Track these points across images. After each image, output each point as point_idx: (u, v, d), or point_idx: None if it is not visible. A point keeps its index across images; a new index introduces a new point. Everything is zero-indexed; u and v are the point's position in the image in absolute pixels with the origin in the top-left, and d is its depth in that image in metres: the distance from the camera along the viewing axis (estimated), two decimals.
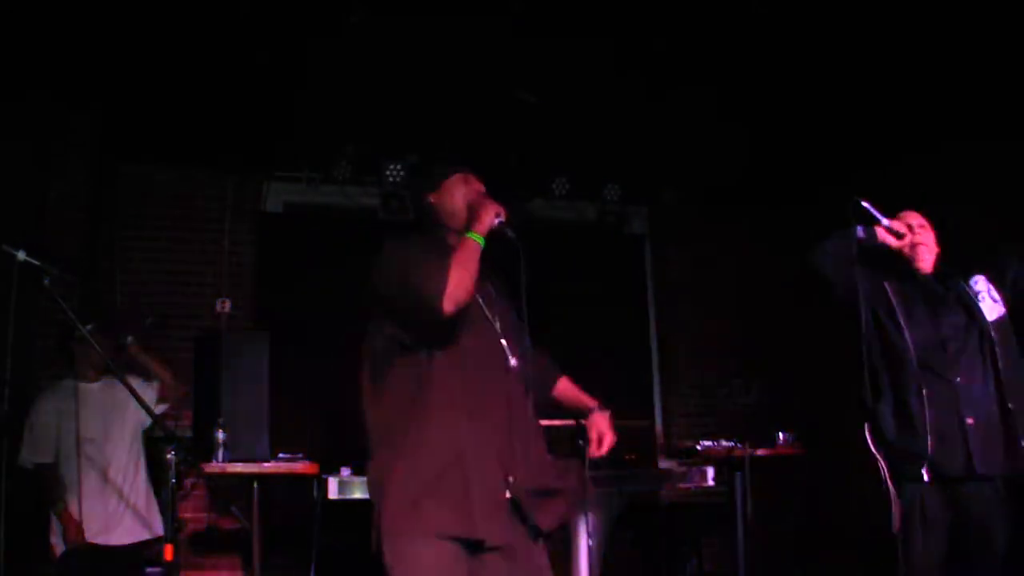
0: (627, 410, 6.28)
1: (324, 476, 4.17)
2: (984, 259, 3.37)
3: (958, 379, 3.10)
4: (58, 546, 4.18)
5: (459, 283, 2.38)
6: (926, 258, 3.30)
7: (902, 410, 3.15)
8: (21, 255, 2.69)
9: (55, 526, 4.20)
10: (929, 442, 3.05)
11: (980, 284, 3.29)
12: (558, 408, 2.87)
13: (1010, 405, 3.07)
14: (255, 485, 4.13)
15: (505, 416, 2.45)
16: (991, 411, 3.09)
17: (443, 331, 2.44)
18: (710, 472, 4.77)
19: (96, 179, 5.46)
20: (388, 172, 5.73)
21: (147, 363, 4.47)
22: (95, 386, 4.36)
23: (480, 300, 2.56)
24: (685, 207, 6.50)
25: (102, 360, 4.14)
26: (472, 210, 2.56)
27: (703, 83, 4.90)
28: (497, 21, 4.33)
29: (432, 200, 2.70)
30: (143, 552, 4.32)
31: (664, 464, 5.44)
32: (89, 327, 4.15)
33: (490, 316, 2.58)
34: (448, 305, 2.35)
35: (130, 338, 4.46)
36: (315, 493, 4.25)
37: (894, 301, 3.24)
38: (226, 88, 4.84)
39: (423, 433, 2.39)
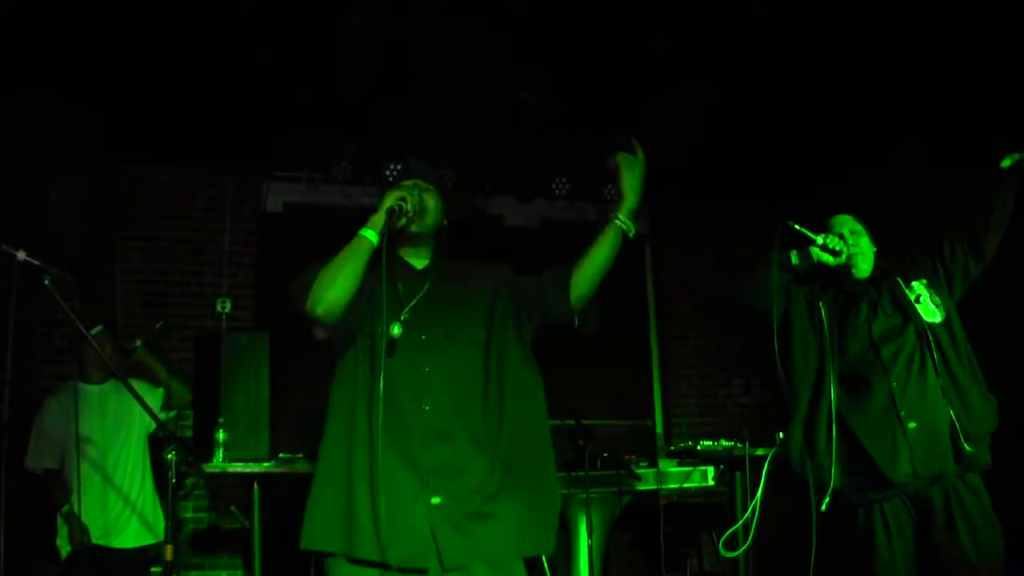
0: (627, 410, 6.31)
1: None
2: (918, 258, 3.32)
3: (894, 383, 3.08)
4: (63, 548, 4.19)
5: (329, 282, 2.26)
6: (862, 266, 3.26)
7: (812, 435, 3.18)
8: (21, 255, 2.68)
9: (60, 528, 4.21)
10: (833, 472, 3.07)
11: (920, 287, 3.23)
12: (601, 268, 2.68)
13: (950, 410, 3.04)
14: (255, 485, 4.12)
15: (424, 424, 2.28)
16: (932, 414, 3.05)
17: (331, 337, 2.33)
18: (710, 472, 4.77)
19: (96, 179, 5.47)
20: (388, 172, 5.74)
21: (154, 368, 4.46)
22: (99, 388, 4.37)
23: (399, 295, 2.40)
24: (685, 207, 6.50)
25: (107, 363, 4.14)
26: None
27: (703, 83, 4.90)
28: (497, 21, 4.33)
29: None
30: (148, 555, 4.32)
31: (664, 464, 5.44)
32: (98, 329, 4.17)
33: (414, 319, 2.38)
34: (314, 306, 2.24)
35: (139, 342, 4.45)
36: None
37: (826, 321, 3.22)
38: (226, 88, 4.84)
39: (323, 452, 2.36)
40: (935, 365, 3.08)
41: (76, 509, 4.13)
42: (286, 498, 4.53)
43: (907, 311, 3.16)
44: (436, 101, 5.01)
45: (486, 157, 5.76)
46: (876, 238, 3.33)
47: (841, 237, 3.23)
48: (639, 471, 4.53)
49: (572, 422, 4.36)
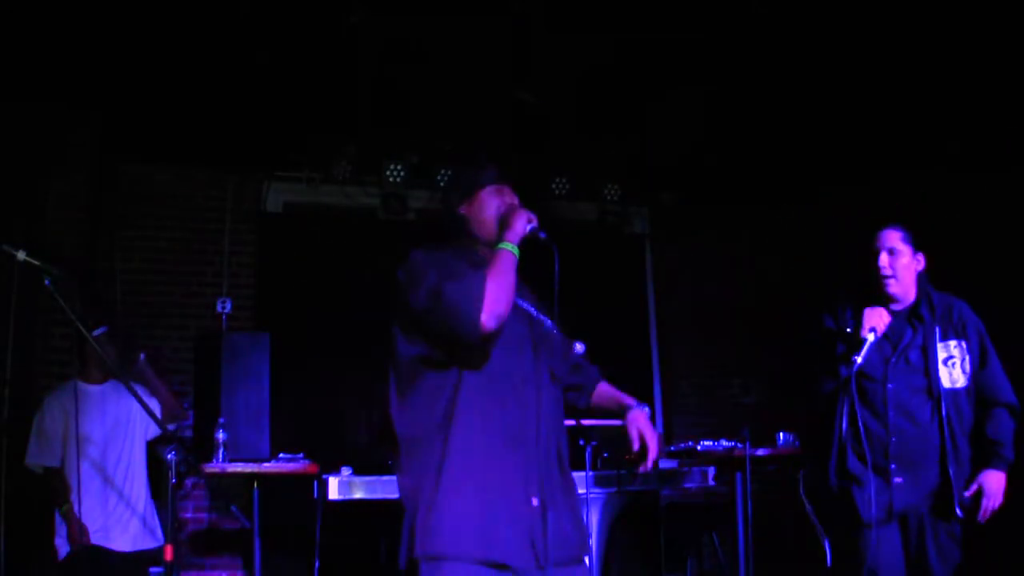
0: None
1: (324, 476, 4.17)
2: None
3: (893, 437, 3.12)
4: (62, 548, 4.19)
5: (498, 296, 2.27)
6: (899, 293, 3.24)
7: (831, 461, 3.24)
8: (21, 255, 2.68)
9: (59, 528, 4.21)
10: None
11: (955, 349, 3.19)
12: (596, 413, 2.83)
13: (951, 472, 3.08)
14: (255, 485, 4.13)
15: (535, 437, 2.37)
16: (921, 474, 3.12)
17: (482, 348, 2.34)
18: (710, 472, 4.77)
19: (96, 179, 5.47)
20: (388, 172, 5.74)
21: (151, 381, 4.44)
22: (99, 388, 4.36)
23: (517, 312, 2.45)
24: (685, 207, 6.50)
25: (108, 364, 4.14)
26: (503, 220, 2.45)
27: (703, 83, 4.91)
28: (497, 21, 4.33)
29: (463, 211, 2.57)
30: (147, 557, 4.33)
31: (664, 464, 5.43)
32: (102, 330, 4.18)
33: (528, 330, 2.48)
34: (489, 321, 2.25)
35: (143, 356, 4.45)
36: (315, 493, 4.25)
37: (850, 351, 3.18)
38: (226, 88, 4.84)
39: (452, 456, 2.29)
40: (945, 433, 3.09)
41: (76, 508, 4.13)
42: (286, 498, 4.54)
43: (930, 369, 3.15)
44: (436, 101, 5.02)
45: (486, 157, 5.76)
46: (921, 254, 3.28)
47: (874, 255, 3.20)
48: (639, 471, 4.52)
49: (572, 422, 4.36)
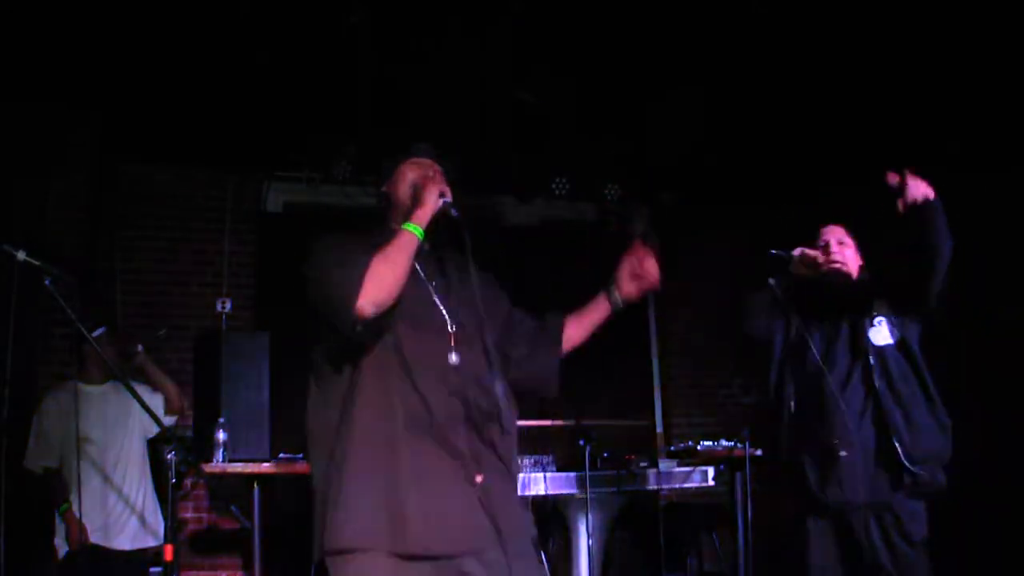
0: (627, 410, 6.31)
1: None
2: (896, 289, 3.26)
3: (835, 411, 3.08)
4: (61, 548, 4.19)
5: (380, 281, 2.13)
6: (842, 278, 3.25)
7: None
8: (21, 255, 2.68)
9: (58, 528, 4.21)
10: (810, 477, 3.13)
11: (881, 309, 3.21)
12: (586, 340, 2.65)
13: (892, 434, 3.03)
14: (255, 485, 4.13)
15: (461, 423, 2.24)
16: (867, 442, 3.05)
17: (370, 336, 2.20)
18: (710, 472, 4.77)
19: (96, 179, 5.47)
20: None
21: (153, 374, 4.45)
22: (98, 389, 4.36)
23: (431, 293, 2.34)
24: (685, 207, 6.51)
25: (108, 364, 4.14)
26: (414, 196, 2.32)
27: (703, 83, 4.91)
28: (497, 21, 4.33)
29: (385, 190, 2.48)
30: (147, 557, 4.33)
31: (664, 464, 5.44)
32: (102, 330, 4.18)
33: (443, 311, 2.33)
34: (366, 307, 2.11)
35: (140, 347, 4.45)
36: None
37: (793, 339, 3.28)
38: (226, 88, 4.84)
39: (355, 447, 2.19)
40: (878, 389, 3.07)
41: (75, 509, 4.13)
42: (286, 498, 4.54)
43: (856, 333, 3.18)
44: (436, 101, 5.01)
45: (486, 157, 5.76)
46: (864, 253, 3.33)
47: (823, 247, 3.25)
48: (639, 471, 4.53)
49: (572, 422, 4.37)
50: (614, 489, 4.44)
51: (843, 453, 3.05)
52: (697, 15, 4.33)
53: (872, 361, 3.10)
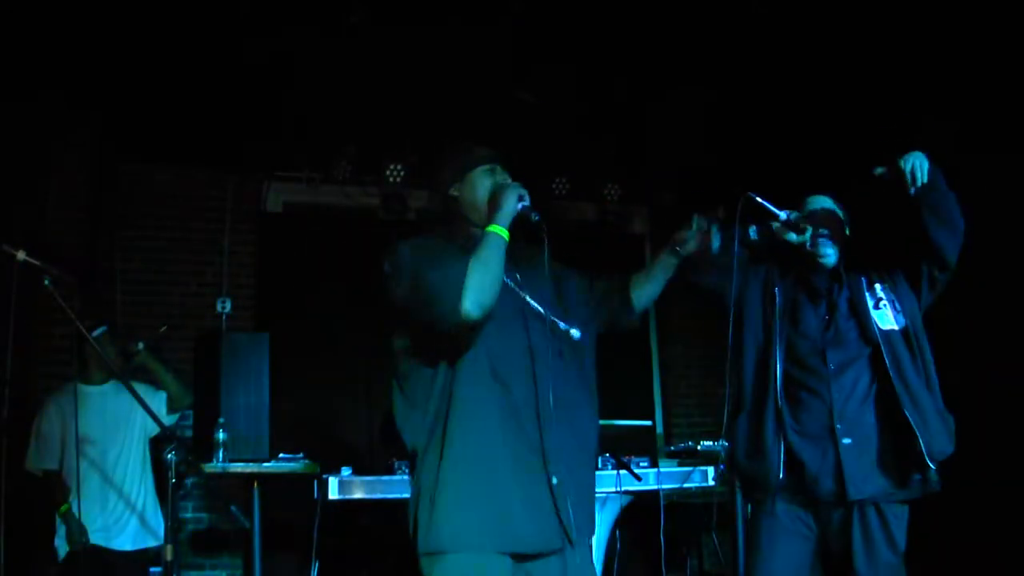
0: (627, 410, 6.30)
1: (324, 476, 4.17)
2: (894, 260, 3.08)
3: (835, 394, 2.85)
4: (61, 548, 4.19)
5: (482, 283, 2.18)
6: (828, 252, 2.99)
7: (757, 431, 2.92)
8: (21, 255, 2.68)
9: (59, 528, 4.21)
10: (781, 470, 2.84)
11: (883, 291, 2.99)
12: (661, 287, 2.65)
13: (912, 422, 2.78)
14: (255, 485, 4.12)
15: (542, 414, 2.29)
16: (870, 432, 2.83)
17: (469, 338, 2.25)
18: (710, 472, 4.77)
19: (96, 179, 5.47)
20: (388, 172, 5.74)
21: (156, 371, 4.45)
22: (99, 389, 4.36)
23: (513, 294, 2.36)
24: (685, 207, 6.49)
25: (108, 364, 4.14)
26: (493, 200, 2.35)
27: (703, 83, 4.91)
28: (497, 21, 4.33)
29: (455, 194, 2.48)
30: (147, 557, 4.33)
31: (664, 464, 5.44)
32: (102, 330, 4.18)
33: (522, 307, 2.37)
34: (473, 309, 2.16)
35: (142, 344, 4.45)
36: (315, 493, 4.25)
37: (780, 309, 2.96)
38: (226, 88, 4.84)
39: (453, 447, 2.24)
40: (891, 376, 2.83)
41: (75, 509, 4.13)
42: (286, 498, 4.54)
43: (862, 317, 2.93)
44: (436, 101, 5.02)
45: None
46: (853, 227, 3.10)
47: (811, 213, 3.01)
48: (639, 471, 4.53)
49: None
50: (614, 489, 4.44)
51: (846, 441, 2.82)
52: (697, 15, 4.33)
53: (882, 345, 2.86)
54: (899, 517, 2.86)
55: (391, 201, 5.83)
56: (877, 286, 3.01)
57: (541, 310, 2.37)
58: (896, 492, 2.84)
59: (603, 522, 4.53)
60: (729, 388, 3.03)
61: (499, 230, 2.28)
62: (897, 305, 2.97)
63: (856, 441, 2.83)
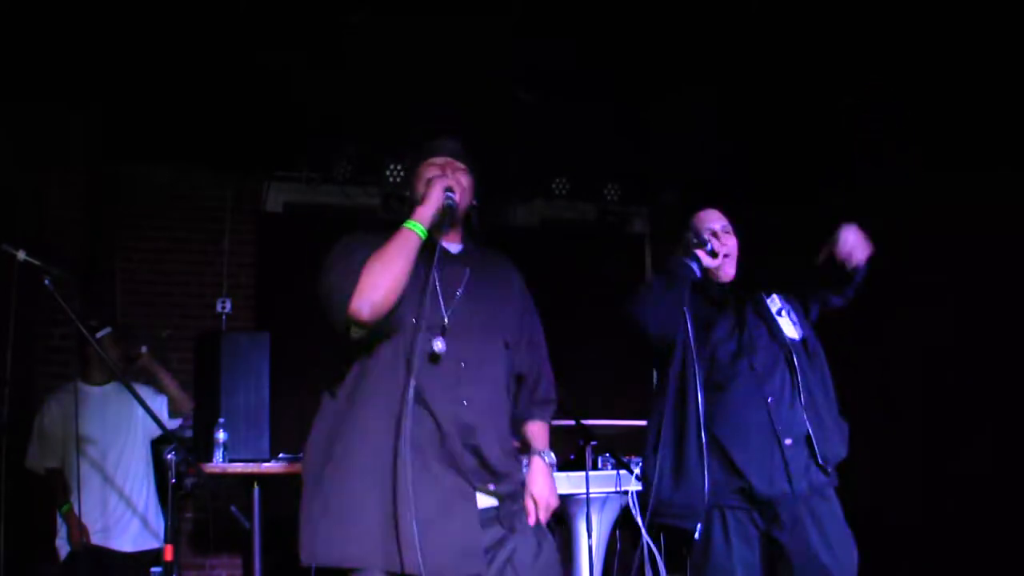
0: (627, 410, 6.30)
1: None
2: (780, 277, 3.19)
3: (769, 397, 2.90)
4: (62, 548, 4.20)
5: (377, 281, 2.07)
6: (729, 269, 3.09)
7: (680, 460, 2.93)
8: (21, 255, 2.68)
9: (60, 528, 4.21)
10: (706, 495, 2.85)
11: (776, 302, 3.09)
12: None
13: (809, 429, 2.88)
14: (255, 485, 4.13)
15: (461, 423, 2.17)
16: (802, 430, 2.90)
17: (364, 337, 2.15)
18: None
19: (96, 179, 5.47)
20: (388, 172, 5.74)
21: (157, 374, 4.45)
22: (100, 389, 4.37)
23: (436, 292, 2.23)
24: (685, 207, 6.50)
25: (110, 365, 4.15)
26: (424, 194, 2.24)
27: (703, 83, 4.90)
28: (497, 21, 4.33)
29: (409, 194, 2.42)
30: (148, 557, 4.33)
31: None
32: (106, 331, 4.18)
33: (443, 315, 2.23)
34: (361, 308, 2.06)
35: (144, 348, 4.45)
36: None
37: (691, 329, 2.94)
38: (226, 88, 4.84)
39: (356, 454, 2.18)
40: (797, 382, 2.92)
41: (76, 509, 4.13)
42: (286, 498, 4.54)
43: (771, 324, 3.01)
44: (436, 101, 5.01)
45: (485, 157, 5.76)
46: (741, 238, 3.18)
47: (714, 235, 3.05)
48: (639, 471, 4.53)
49: (572, 422, 4.36)
50: (614, 489, 4.44)
51: (788, 441, 2.87)
52: (698, 15, 4.33)
53: (792, 352, 2.94)
54: (832, 497, 2.95)
55: (391, 201, 5.83)
56: (774, 296, 3.10)
57: (446, 319, 2.22)
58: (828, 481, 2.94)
59: (603, 522, 4.53)
60: (649, 431, 3.04)
61: (413, 225, 2.16)
62: (793, 316, 3.08)
63: (795, 441, 2.89)
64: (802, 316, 3.11)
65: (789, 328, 3.04)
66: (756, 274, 3.16)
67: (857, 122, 5.06)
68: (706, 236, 3.02)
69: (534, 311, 2.53)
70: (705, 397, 2.91)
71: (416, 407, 2.11)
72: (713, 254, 2.99)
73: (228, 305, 5.76)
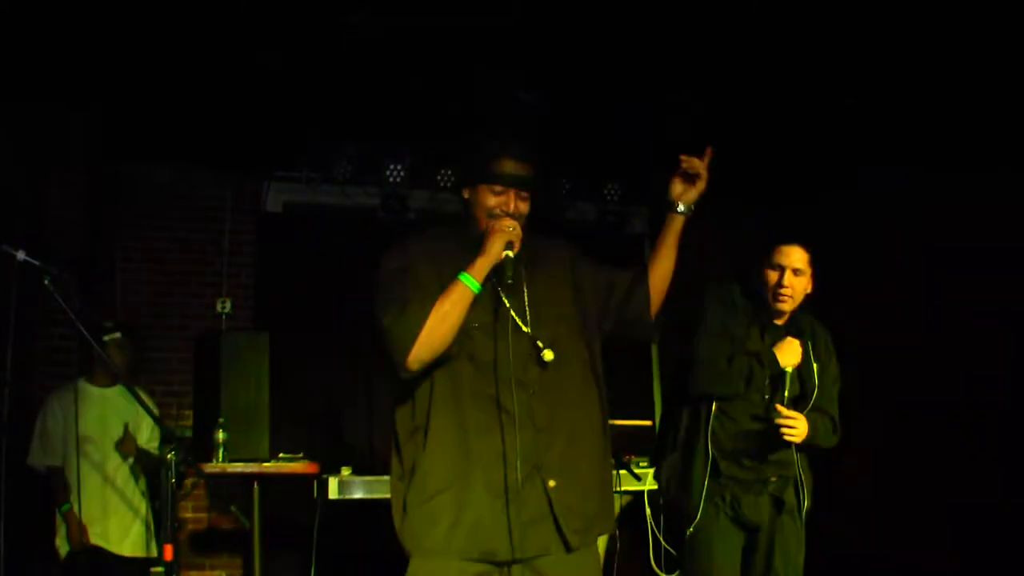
0: (627, 410, 6.30)
1: (324, 476, 4.17)
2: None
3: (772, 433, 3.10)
4: (62, 548, 4.19)
5: (429, 338, 2.21)
6: (786, 309, 3.21)
7: (687, 471, 3.22)
8: (21, 255, 2.68)
9: (59, 528, 4.21)
10: (700, 508, 3.13)
11: (814, 369, 3.25)
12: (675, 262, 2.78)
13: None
14: (255, 485, 4.13)
15: (518, 426, 2.27)
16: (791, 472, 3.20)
17: (418, 376, 2.28)
18: None
19: (96, 179, 5.47)
20: (388, 172, 5.73)
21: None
22: (100, 390, 4.37)
23: (503, 305, 2.34)
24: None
25: (113, 368, 4.15)
26: (484, 238, 2.31)
27: (703, 83, 4.90)
28: (497, 21, 4.33)
29: (465, 196, 2.44)
30: (147, 558, 4.34)
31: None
32: (116, 335, 4.18)
33: (517, 322, 2.34)
34: (411, 363, 2.22)
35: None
36: (315, 493, 4.25)
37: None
38: (226, 88, 4.84)
39: (434, 454, 2.29)
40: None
41: (76, 509, 4.13)
42: (286, 498, 4.55)
43: (805, 385, 3.20)
44: (436, 101, 5.02)
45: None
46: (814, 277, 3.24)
47: (775, 271, 3.18)
48: (639, 471, 4.53)
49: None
50: (614, 489, 4.44)
51: (773, 479, 3.21)
52: (698, 15, 4.33)
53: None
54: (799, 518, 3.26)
55: (391, 201, 5.82)
56: (815, 365, 3.24)
57: (521, 326, 2.35)
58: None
59: None
60: (666, 429, 3.34)
61: (470, 281, 2.26)
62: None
63: (779, 480, 3.20)
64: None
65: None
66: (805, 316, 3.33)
67: (858, 122, 5.06)
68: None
69: (580, 265, 2.61)
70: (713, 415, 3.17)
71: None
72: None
73: (228, 305, 5.76)
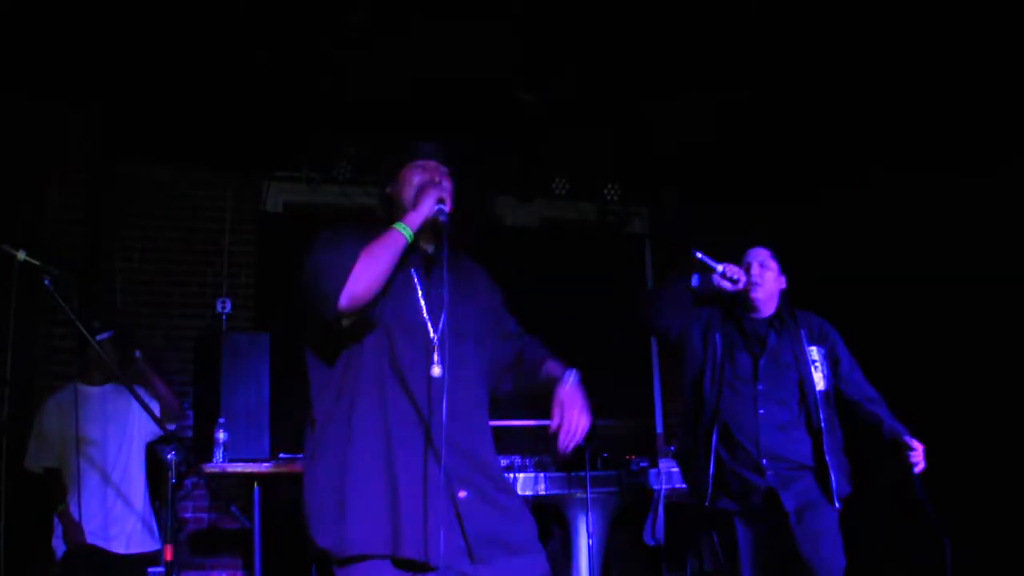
0: (627, 410, 6.31)
1: None
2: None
3: (763, 425, 3.28)
4: (59, 548, 4.19)
5: (361, 276, 2.15)
6: (762, 301, 3.44)
7: (694, 455, 3.43)
8: (21, 255, 2.68)
9: (57, 528, 4.21)
10: (708, 495, 3.35)
11: (815, 354, 3.41)
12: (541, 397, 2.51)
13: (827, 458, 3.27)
14: (255, 485, 4.13)
15: (434, 428, 2.21)
16: (796, 463, 3.30)
17: (345, 330, 2.21)
18: None
19: (96, 179, 5.47)
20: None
21: (150, 379, 4.44)
22: (98, 390, 4.37)
23: (420, 297, 2.31)
24: (685, 207, 6.50)
25: (110, 367, 4.15)
26: (415, 199, 2.34)
27: (703, 83, 4.91)
28: (497, 21, 4.33)
29: (389, 192, 2.48)
30: (146, 558, 4.33)
31: (664, 464, 5.44)
32: (109, 334, 4.18)
33: (427, 320, 2.30)
34: (343, 300, 2.13)
35: (138, 353, 4.45)
36: None
37: (719, 350, 3.40)
38: (226, 88, 4.84)
39: (356, 451, 2.20)
40: (814, 421, 3.30)
41: (74, 509, 4.13)
42: (286, 498, 4.54)
43: (802, 370, 3.35)
44: (436, 101, 5.02)
45: (486, 157, 5.77)
46: (786, 275, 3.51)
47: (746, 268, 3.42)
48: (639, 471, 4.53)
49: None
50: (614, 489, 4.45)
51: (771, 473, 3.29)
52: (698, 15, 4.33)
53: (818, 404, 3.32)
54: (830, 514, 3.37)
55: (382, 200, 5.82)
56: (814, 348, 3.43)
57: (430, 328, 2.30)
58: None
59: (602, 522, 4.53)
60: (687, 413, 3.55)
61: (402, 228, 2.26)
62: (824, 370, 3.42)
63: (776, 476, 3.29)
64: (831, 372, 3.45)
65: (819, 380, 3.39)
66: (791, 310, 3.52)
67: (859, 122, 5.06)
68: (721, 267, 3.37)
69: (504, 303, 2.61)
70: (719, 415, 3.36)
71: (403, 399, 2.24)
72: (730, 279, 3.35)
73: (228, 305, 5.75)
